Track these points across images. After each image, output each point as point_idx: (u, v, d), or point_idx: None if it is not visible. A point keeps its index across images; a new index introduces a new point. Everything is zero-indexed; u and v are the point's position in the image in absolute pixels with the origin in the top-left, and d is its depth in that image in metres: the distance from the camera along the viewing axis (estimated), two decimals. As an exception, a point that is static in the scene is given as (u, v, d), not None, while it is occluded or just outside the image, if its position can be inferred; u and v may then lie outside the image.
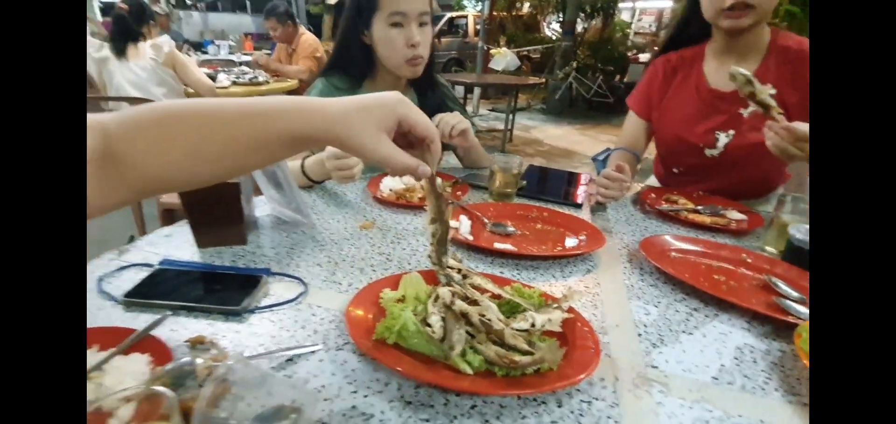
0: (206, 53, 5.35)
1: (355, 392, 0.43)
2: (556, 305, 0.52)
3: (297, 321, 0.54)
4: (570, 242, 0.78)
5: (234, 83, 2.85)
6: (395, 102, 0.41)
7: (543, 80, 6.60)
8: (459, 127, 0.96)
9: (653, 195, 1.02)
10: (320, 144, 0.47)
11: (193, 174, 0.41)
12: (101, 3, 10.16)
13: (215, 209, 0.68)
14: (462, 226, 0.78)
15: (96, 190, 0.40)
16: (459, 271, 0.54)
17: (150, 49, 2.25)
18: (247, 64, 3.67)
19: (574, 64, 6.63)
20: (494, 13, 7.84)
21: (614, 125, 6.25)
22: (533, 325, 0.47)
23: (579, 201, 0.98)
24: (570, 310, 0.51)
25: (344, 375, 0.45)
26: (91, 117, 0.40)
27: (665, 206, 0.97)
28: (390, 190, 0.93)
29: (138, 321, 0.52)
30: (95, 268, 0.63)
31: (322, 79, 1.06)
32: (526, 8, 8.69)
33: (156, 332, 0.48)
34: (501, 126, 4.96)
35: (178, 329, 0.51)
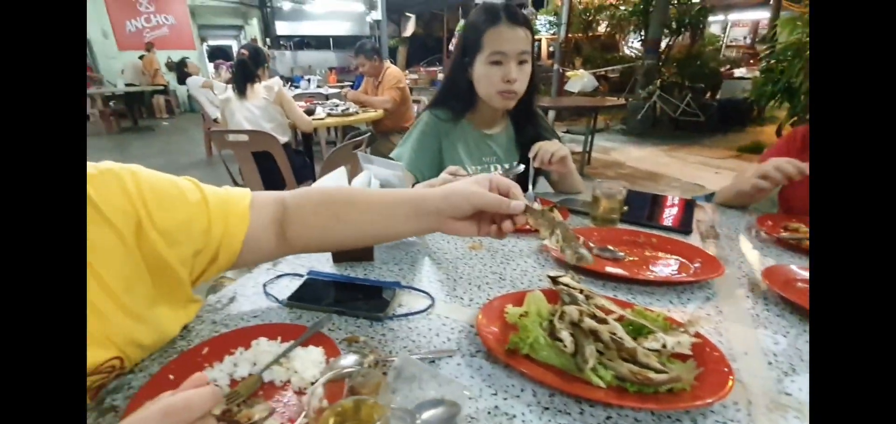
0: (297, 87, 6.01)
1: (495, 394, 0.49)
2: (681, 329, 0.53)
3: (430, 329, 0.61)
4: (682, 268, 0.77)
5: (329, 114, 3.17)
6: (469, 194, 0.54)
7: (623, 100, 6.38)
8: (559, 154, 1.01)
9: (769, 223, 0.97)
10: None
11: (343, 241, 0.64)
12: (209, 47, 11.80)
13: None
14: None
15: (273, 244, 0.62)
16: (581, 291, 0.58)
17: (263, 90, 2.60)
18: (337, 97, 4.07)
19: (658, 82, 6.34)
20: (569, 36, 7.80)
21: (705, 146, 5.81)
22: (664, 346, 0.49)
23: (687, 227, 0.96)
24: (697, 335, 0.53)
25: (482, 379, 0.51)
26: (273, 193, 0.63)
27: (785, 234, 0.92)
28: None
29: (301, 319, 0.63)
30: (259, 276, 0.76)
31: (428, 112, 1.18)
32: (602, 28, 8.53)
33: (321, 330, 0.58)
34: (578, 148, 4.87)
35: (333, 329, 0.61)
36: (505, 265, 0.80)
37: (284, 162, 2.46)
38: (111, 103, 7.72)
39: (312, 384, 0.48)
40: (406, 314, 0.64)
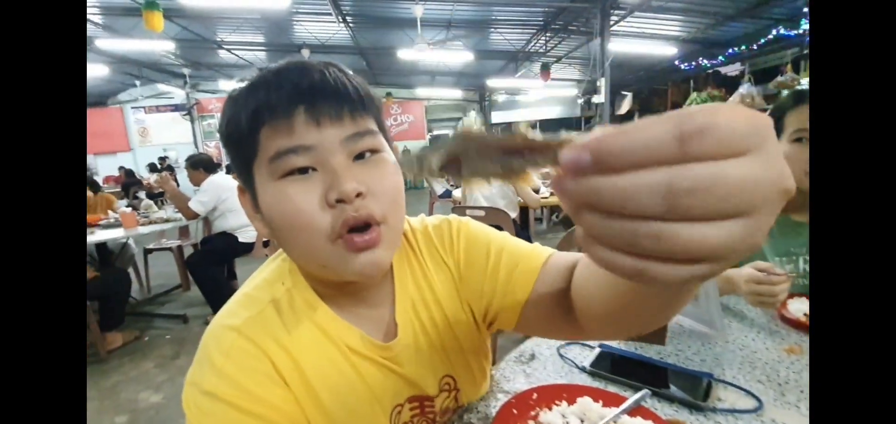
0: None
1: None
2: None
3: (764, 433, 0.57)
4: None
5: (553, 193, 3.36)
6: None
7: None
8: None
9: None
10: None
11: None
12: (432, 136, 14.22)
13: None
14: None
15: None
16: None
17: (500, 170, 2.99)
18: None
19: None
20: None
21: None
22: None
23: None
24: None
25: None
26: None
27: None
28: (806, 315, 0.86)
29: (606, 387, 0.68)
30: (554, 342, 0.85)
31: None
32: None
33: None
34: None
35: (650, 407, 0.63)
36: (854, 380, 0.68)
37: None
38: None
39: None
40: (732, 411, 0.61)
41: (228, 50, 8.50)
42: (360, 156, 0.46)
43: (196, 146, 11.84)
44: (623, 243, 0.19)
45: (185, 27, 6.96)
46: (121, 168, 9.13)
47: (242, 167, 0.48)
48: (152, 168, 10.10)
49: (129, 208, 3.14)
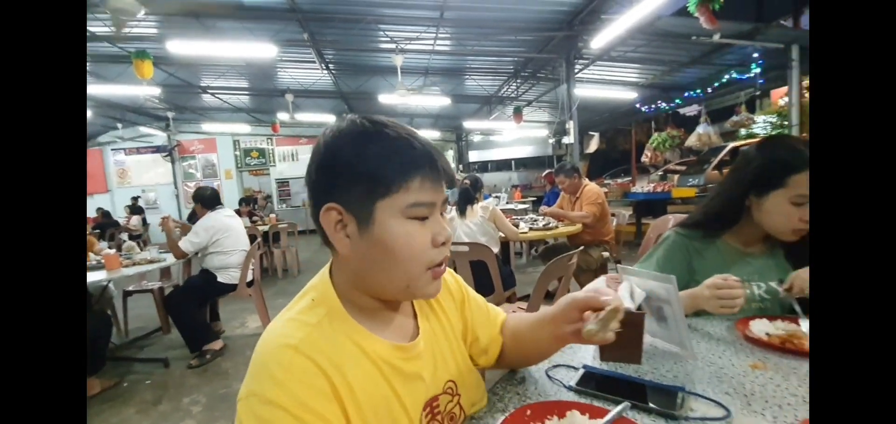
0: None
1: None
2: None
3: (735, 438, 0.62)
4: None
5: (531, 228, 3.46)
6: (572, 294, 0.71)
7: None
8: None
9: None
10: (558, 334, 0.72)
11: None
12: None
13: (622, 334, 0.87)
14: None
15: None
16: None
17: (480, 209, 3.07)
18: (524, 212, 4.41)
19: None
20: (802, 135, 6.71)
21: None
22: None
23: None
24: None
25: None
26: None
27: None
28: (768, 334, 0.94)
29: (593, 404, 0.72)
30: (542, 364, 0.89)
31: (674, 232, 1.22)
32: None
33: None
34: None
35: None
36: (808, 387, 0.74)
37: (495, 270, 2.76)
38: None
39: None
40: (704, 419, 0.66)
41: (213, 94, 8.51)
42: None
43: (176, 186, 11.60)
44: None
45: (171, 73, 6.97)
46: (98, 209, 8.83)
47: (361, 197, 0.57)
48: (132, 209, 9.81)
49: (113, 250, 3.04)
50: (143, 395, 2.64)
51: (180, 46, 4.80)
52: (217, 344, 3.19)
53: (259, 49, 5.13)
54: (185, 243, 3.10)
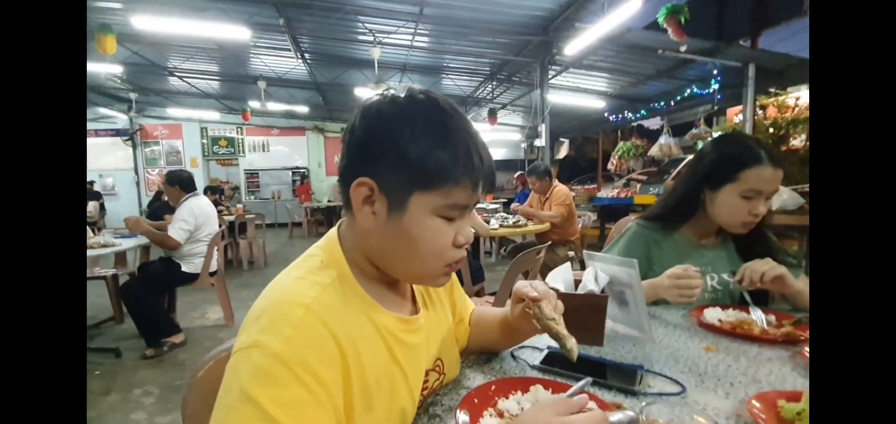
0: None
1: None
2: None
3: (689, 413, 0.63)
4: None
5: (502, 226, 3.49)
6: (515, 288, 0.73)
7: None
8: (771, 274, 0.99)
9: None
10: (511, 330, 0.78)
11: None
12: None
13: (585, 316, 0.89)
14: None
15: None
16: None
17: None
18: (495, 211, 4.47)
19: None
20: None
21: None
22: None
23: None
24: None
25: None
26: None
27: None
28: (720, 321, 0.98)
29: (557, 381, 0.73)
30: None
31: (636, 223, 1.26)
32: (799, 142, 7.51)
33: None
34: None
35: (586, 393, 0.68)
36: (757, 368, 0.77)
37: (465, 264, 2.76)
38: (317, 214, 9.88)
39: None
40: (660, 395, 0.68)
41: (180, 77, 8.13)
42: None
43: (136, 172, 11.00)
44: None
45: (135, 52, 6.61)
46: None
47: (400, 183, 0.55)
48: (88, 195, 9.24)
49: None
50: (90, 385, 2.48)
51: (147, 22, 4.51)
52: (178, 337, 3.02)
53: (232, 31, 4.93)
54: (177, 231, 2.90)
